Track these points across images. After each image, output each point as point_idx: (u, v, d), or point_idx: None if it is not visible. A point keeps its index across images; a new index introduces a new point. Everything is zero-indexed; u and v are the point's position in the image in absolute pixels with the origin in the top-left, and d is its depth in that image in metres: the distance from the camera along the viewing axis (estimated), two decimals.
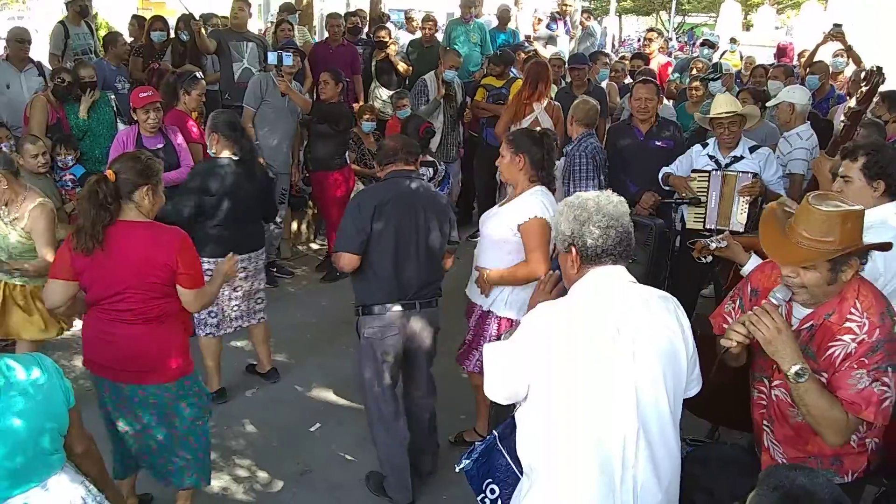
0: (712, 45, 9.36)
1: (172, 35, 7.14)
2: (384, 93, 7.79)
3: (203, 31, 6.89)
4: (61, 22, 7.20)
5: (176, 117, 5.42)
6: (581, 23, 11.11)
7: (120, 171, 2.93)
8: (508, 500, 2.49)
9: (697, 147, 4.91)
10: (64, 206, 4.93)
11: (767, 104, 5.66)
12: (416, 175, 3.67)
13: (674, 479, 2.18)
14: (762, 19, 21.99)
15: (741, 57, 11.18)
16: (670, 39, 22.40)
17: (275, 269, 6.51)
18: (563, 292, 2.36)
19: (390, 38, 8.17)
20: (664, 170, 4.97)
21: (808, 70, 7.68)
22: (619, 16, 31.37)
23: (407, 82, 7.96)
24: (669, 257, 4.85)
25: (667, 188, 4.97)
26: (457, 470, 2.71)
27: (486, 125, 7.10)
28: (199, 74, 5.78)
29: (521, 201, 3.56)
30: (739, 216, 4.57)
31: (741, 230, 4.41)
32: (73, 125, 5.58)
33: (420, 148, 4.14)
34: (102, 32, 8.70)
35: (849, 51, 7.81)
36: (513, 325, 3.51)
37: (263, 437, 4.21)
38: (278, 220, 6.28)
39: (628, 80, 8.22)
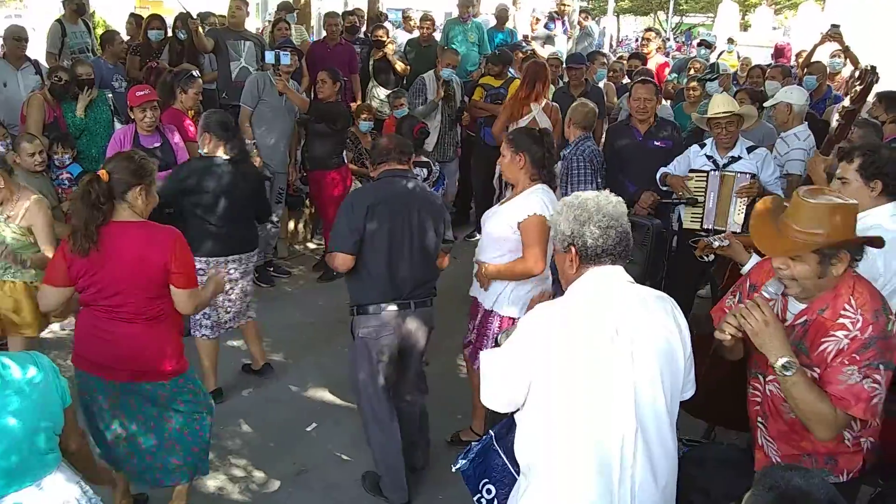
0: (709, 46, 9.36)
1: (170, 34, 7.14)
2: (382, 92, 7.78)
3: (200, 29, 6.88)
4: (58, 20, 7.17)
5: (173, 116, 5.42)
6: (579, 23, 11.10)
7: (113, 171, 2.93)
8: (505, 500, 2.49)
9: (695, 147, 4.92)
10: (60, 204, 4.92)
11: (765, 104, 5.66)
12: (410, 174, 3.68)
13: (671, 480, 2.18)
14: (760, 20, 21.99)
15: (738, 57, 11.20)
16: (668, 40, 22.39)
17: (272, 269, 6.51)
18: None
19: (388, 37, 8.16)
20: (662, 170, 4.98)
21: (805, 70, 7.68)
22: (617, 16, 31.41)
23: (405, 82, 7.95)
24: (666, 257, 4.85)
25: (664, 188, 4.98)
26: (453, 470, 2.72)
27: (483, 125, 7.10)
28: (195, 73, 5.77)
29: (522, 199, 3.57)
30: (737, 216, 4.58)
31: (738, 230, 4.42)
32: (70, 124, 5.57)
33: (413, 147, 4.14)
34: (100, 31, 8.70)
35: (846, 51, 7.81)
36: (514, 323, 3.51)
37: (260, 436, 4.20)
38: (275, 219, 6.27)
39: (626, 80, 8.24)
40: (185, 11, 6.94)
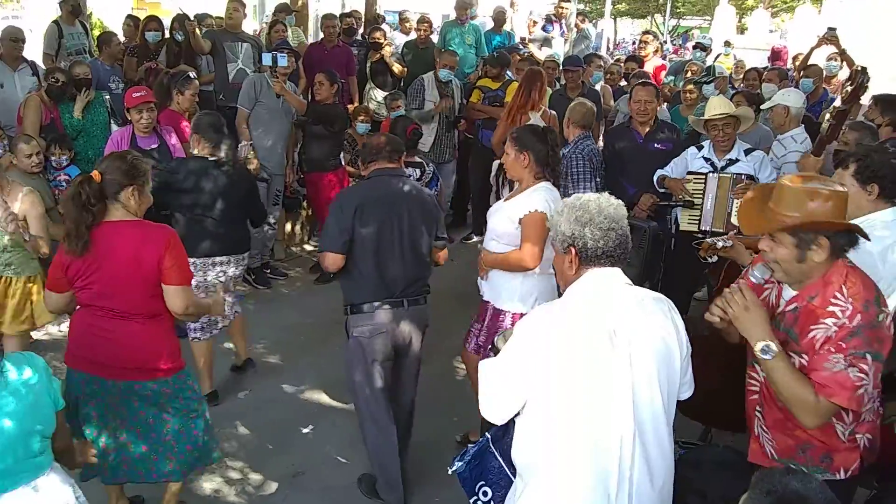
0: (704, 48, 9.37)
1: (167, 35, 7.13)
2: (379, 94, 7.78)
3: (198, 31, 6.88)
4: (55, 21, 7.16)
5: (169, 117, 5.42)
6: (576, 25, 11.12)
7: (105, 172, 2.93)
8: (501, 502, 2.49)
9: (692, 149, 4.93)
10: (57, 206, 4.91)
11: (762, 107, 5.67)
12: (401, 173, 3.66)
13: (667, 481, 2.18)
14: (756, 23, 22.01)
15: (735, 60, 11.22)
16: (665, 42, 22.42)
17: (268, 271, 6.50)
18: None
19: (385, 39, 8.16)
20: (659, 172, 4.98)
21: (802, 73, 7.70)
22: (614, 18, 31.39)
23: (402, 84, 7.95)
24: (663, 260, 4.85)
25: (662, 190, 4.98)
26: (449, 472, 2.71)
27: (481, 127, 7.10)
28: (192, 74, 5.77)
29: (525, 196, 3.58)
30: (734, 218, 4.58)
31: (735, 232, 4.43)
32: (67, 125, 5.56)
33: (405, 146, 4.13)
34: (97, 32, 8.69)
35: (843, 54, 7.82)
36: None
37: (256, 438, 4.19)
38: (272, 221, 6.27)
39: (622, 82, 8.25)
40: (182, 13, 6.93)
